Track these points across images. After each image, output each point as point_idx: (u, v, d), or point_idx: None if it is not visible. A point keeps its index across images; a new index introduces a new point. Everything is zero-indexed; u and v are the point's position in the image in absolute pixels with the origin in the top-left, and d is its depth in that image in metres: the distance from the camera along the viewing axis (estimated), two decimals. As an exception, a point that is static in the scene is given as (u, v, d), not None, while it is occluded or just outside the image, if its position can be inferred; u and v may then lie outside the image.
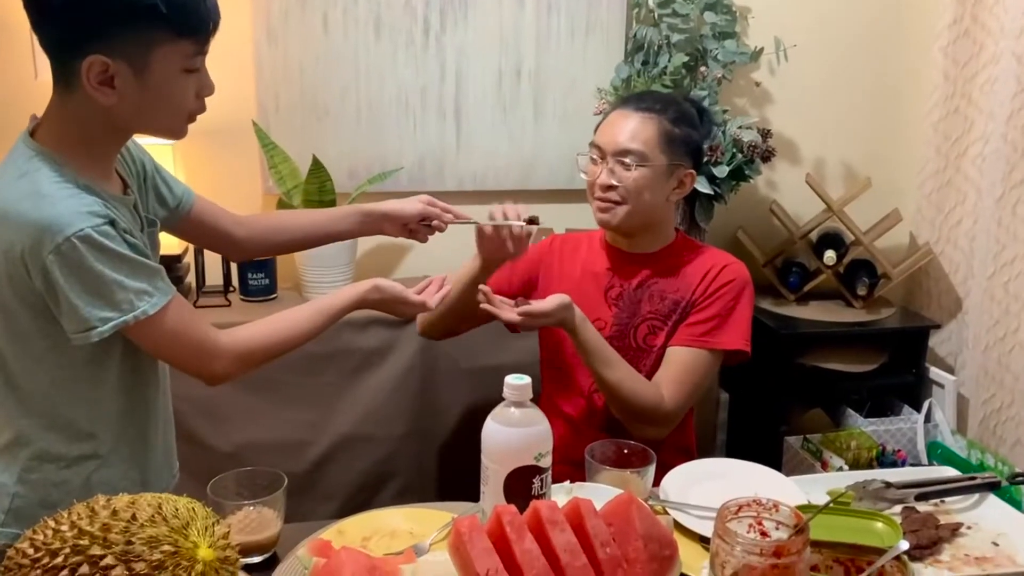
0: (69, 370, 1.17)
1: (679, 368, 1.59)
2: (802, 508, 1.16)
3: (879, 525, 1.16)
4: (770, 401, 2.44)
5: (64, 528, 0.91)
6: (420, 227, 1.52)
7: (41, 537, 0.91)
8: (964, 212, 2.46)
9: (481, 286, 1.49)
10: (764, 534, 0.99)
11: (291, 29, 2.24)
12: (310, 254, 2.18)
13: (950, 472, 1.45)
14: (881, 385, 2.47)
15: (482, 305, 1.46)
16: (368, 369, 2.16)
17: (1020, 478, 1.42)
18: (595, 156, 1.64)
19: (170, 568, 0.89)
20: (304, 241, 1.58)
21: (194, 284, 2.22)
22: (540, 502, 0.93)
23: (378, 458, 2.19)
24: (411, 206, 1.49)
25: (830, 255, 2.42)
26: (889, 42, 2.57)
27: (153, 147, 2.06)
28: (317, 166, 2.10)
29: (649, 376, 1.60)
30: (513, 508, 0.92)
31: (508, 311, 1.46)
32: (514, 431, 1.05)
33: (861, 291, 2.44)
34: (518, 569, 0.87)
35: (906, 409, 2.46)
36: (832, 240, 2.50)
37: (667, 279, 1.66)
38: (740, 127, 2.28)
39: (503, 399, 1.08)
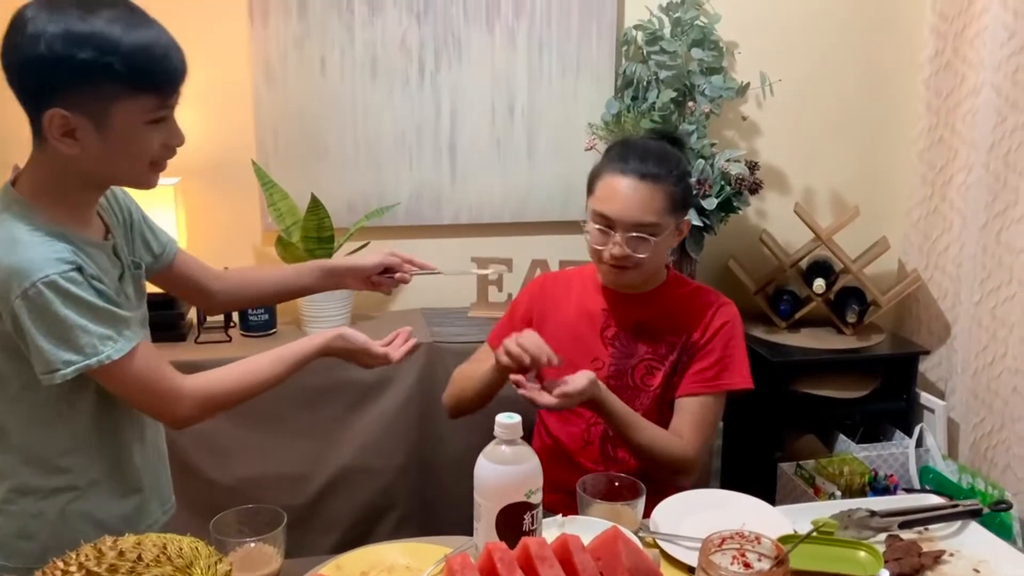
0: (43, 408, 1.20)
1: (696, 416, 1.64)
2: (785, 538, 1.20)
3: (862, 554, 1.19)
4: (764, 428, 2.48)
5: (72, 569, 0.95)
6: (383, 279, 1.56)
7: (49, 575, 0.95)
8: (951, 239, 2.50)
9: (514, 376, 1.48)
10: (747, 565, 1.03)
11: (289, 71, 2.30)
12: (309, 289, 2.23)
13: (934, 500, 1.48)
14: (873, 410, 2.50)
15: (520, 392, 1.46)
16: (367, 401, 2.20)
17: (1002, 505, 1.45)
18: (603, 226, 1.60)
19: (175, 607, 0.93)
20: (272, 296, 1.66)
21: (195, 321, 2.26)
22: (530, 539, 0.97)
23: (377, 489, 2.22)
24: (370, 259, 1.55)
25: (819, 283, 2.47)
26: (873, 75, 2.63)
27: (155, 188, 2.13)
28: (315, 204, 2.16)
29: (647, 416, 1.62)
30: (503, 545, 0.96)
31: (545, 396, 1.45)
32: (505, 468, 1.09)
33: (851, 318, 2.49)
34: (508, 604, 0.91)
35: (898, 434, 2.49)
36: (822, 268, 2.54)
37: (663, 320, 1.68)
38: (728, 160, 2.33)
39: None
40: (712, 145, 2.37)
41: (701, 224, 2.30)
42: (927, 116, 2.53)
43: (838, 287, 2.55)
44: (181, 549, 0.98)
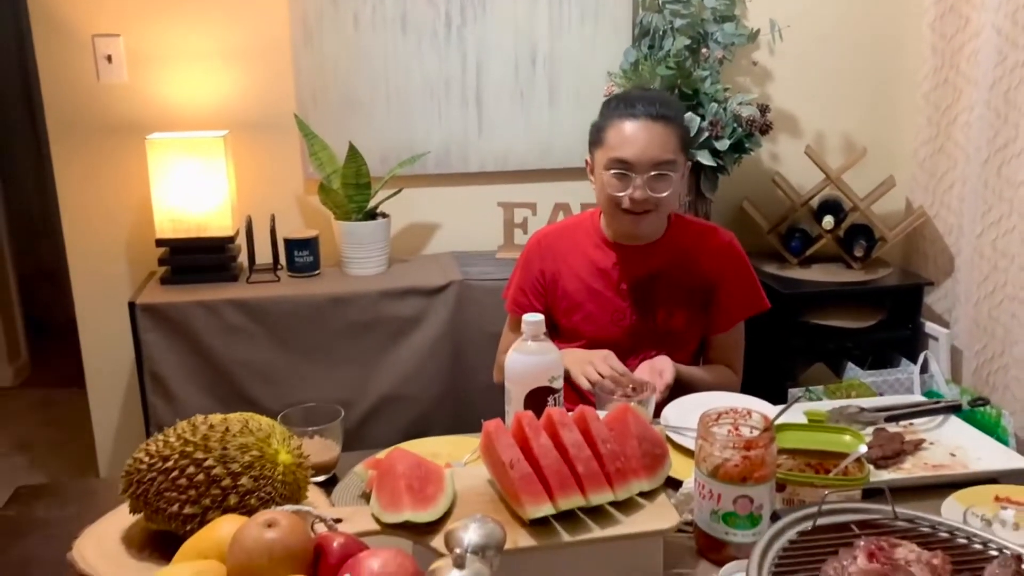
0: None
1: (737, 345, 1.87)
2: (779, 427, 1.36)
3: (846, 437, 1.35)
4: (776, 358, 2.63)
5: (172, 440, 1.14)
6: None
7: (153, 448, 1.14)
8: (955, 176, 2.62)
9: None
10: (740, 436, 1.19)
11: (325, 28, 2.46)
12: (348, 233, 2.41)
13: (918, 398, 1.64)
14: (880, 340, 2.64)
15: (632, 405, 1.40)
16: (405, 335, 2.38)
17: (980, 401, 1.60)
18: (622, 171, 1.66)
19: (258, 468, 1.11)
20: None
21: (246, 264, 2.45)
22: (553, 409, 1.14)
23: (415, 416, 2.41)
24: None
25: (828, 220, 2.60)
26: (879, 19, 2.74)
27: (205, 140, 2.31)
28: (353, 152, 2.33)
29: (679, 351, 1.79)
30: (531, 413, 1.13)
31: (655, 394, 1.50)
32: (531, 359, 1.26)
33: (858, 252, 2.62)
34: (535, 460, 1.09)
35: (904, 362, 2.63)
36: (831, 207, 2.67)
37: (675, 268, 1.79)
38: (740, 103, 2.46)
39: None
40: (725, 90, 2.50)
41: (715, 165, 2.44)
42: (932, 58, 2.63)
43: (847, 224, 2.68)
44: (260, 425, 1.17)
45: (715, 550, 1.16)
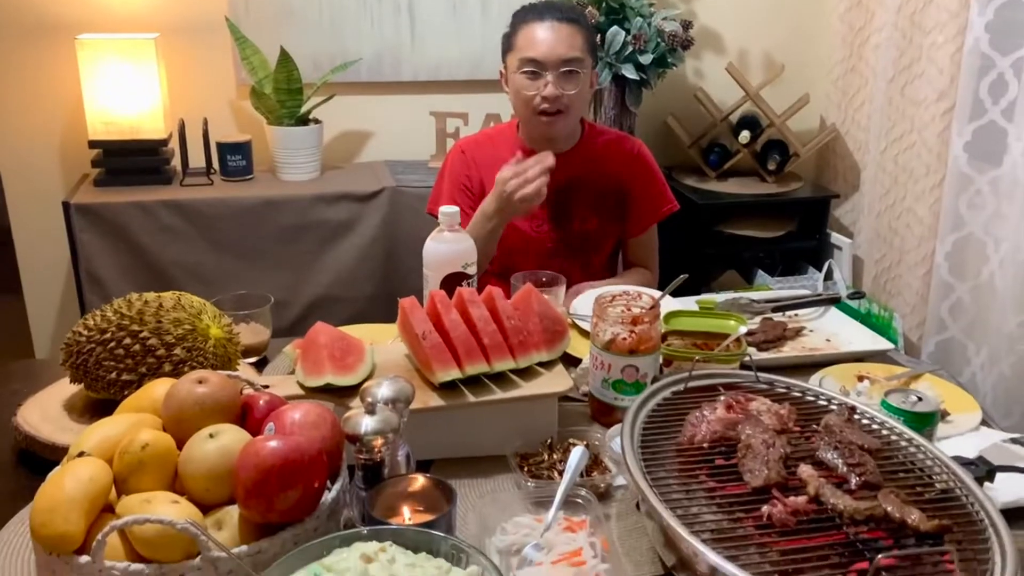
0: None
1: (652, 246, 1.99)
2: (670, 312, 1.51)
3: (731, 321, 1.50)
4: (691, 265, 2.75)
5: (109, 314, 1.22)
6: None
7: (91, 322, 1.23)
8: (865, 95, 2.76)
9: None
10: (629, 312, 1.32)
11: (256, -69, 2.46)
12: (281, 138, 2.46)
13: (803, 292, 1.80)
14: (789, 249, 2.82)
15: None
16: (337, 239, 2.47)
17: (857, 294, 1.77)
18: (531, 70, 1.73)
19: (190, 340, 1.21)
20: None
21: (179, 167, 2.49)
22: (463, 288, 1.26)
23: (350, 315, 2.50)
24: None
25: (744, 135, 2.74)
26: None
27: (136, 42, 2.32)
28: (285, 57, 2.36)
29: (595, 255, 1.92)
30: (443, 292, 1.25)
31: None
32: (446, 247, 1.37)
33: (771, 166, 2.77)
34: (446, 332, 1.21)
35: (810, 270, 2.82)
36: (749, 123, 2.81)
37: (589, 175, 1.89)
38: (664, 19, 2.55)
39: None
40: (650, 5, 2.58)
41: (639, 79, 2.54)
42: (849, -21, 2.74)
43: (763, 140, 2.82)
44: (192, 303, 1.26)
45: (606, 414, 1.30)
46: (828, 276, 2.78)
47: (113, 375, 1.19)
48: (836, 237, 2.81)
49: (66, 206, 2.26)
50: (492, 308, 1.26)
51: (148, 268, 2.32)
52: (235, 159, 2.46)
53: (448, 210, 1.39)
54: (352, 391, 1.18)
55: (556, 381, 1.24)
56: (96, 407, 1.24)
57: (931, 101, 2.40)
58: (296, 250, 2.43)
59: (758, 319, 1.66)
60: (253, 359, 1.51)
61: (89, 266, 2.31)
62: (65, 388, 1.29)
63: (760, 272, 2.78)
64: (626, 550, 1.04)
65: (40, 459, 1.16)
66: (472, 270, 1.40)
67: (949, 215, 2.34)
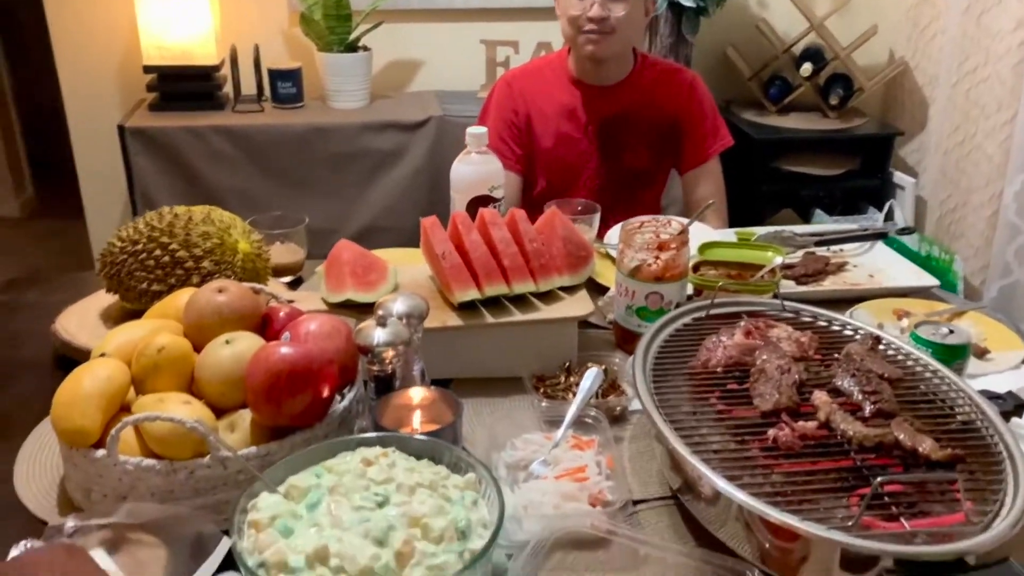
0: None
1: (717, 177, 1.91)
2: (707, 243, 1.47)
3: (768, 252, 1.46)
4: (746, 202, 2.71)
5: (141, 227, 1.25)
6: None
7: (124, 234, 1.26)
8: (938, 27, 2.62)
9: None
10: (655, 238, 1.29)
11: None
12: (330, 65, 2.46)
13: (850, 225, 1.74)
14: (849, 188, 2.72)
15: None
16: (385, 169, 2.47)
17: (907, 230, 1.70)
18: None
19: (219, 254, 1.24)
20: None
21: (231, 93, 2.51)
22: (485, 210, 1.25)
23: (395, 245, 2.52)
24: None
25: (806, 67, 2.63)
26: None
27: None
28: (334, -18, 2.35)
29: (644, 191, 1.87)
30: (465, 213, 1.24)
31: None
32: (472, 168, 1.36)
33: (833, 101, 2.66)
34: (466, 253, 1.20)
35: (871, 210, 2.72)
36: (813, 55, 2.69)
37: (640, 108, 1.84)
38: (724, -57, 2.44)
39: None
40: (710, -71, 2.47)
41: (695, 5, 2.45)
42: (926, -99, 2.57)
43: (827, 73, 2.70)
44: (222, 217, 1.28)
45: (629, 341, 1.29)
46: (889, 217, 2.67)
47: (144, 285, 1.22)
48: (899, 176, 2.70)
49: (121, 130, 2.31)
50: (514, 231, 1.24)
51: (200, 193, 2.37)
52: (286, 86, 2.47)
53: (476, 131, 1.37)
54: (372, 309, 1.18)
55: (577, 305, 1.22)
56: (130, 317, 1.28)
57: (1008, 31, 2.26)
58: (344, 179, 2.44)
59: (800, 253, 1.61)
60: (288, 278, 1.53)
61: (144, 190, 2.37)
62: (103, 298, 1.33)
63: (818, 211, 2.69)
64: (635, 471, 1.03)
65: (75, 364, 1.20)
66: (499, 193, 1.38)
67: (1020, 152, 2.22)
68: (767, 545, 0.80)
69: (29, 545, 0.81)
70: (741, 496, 0.79)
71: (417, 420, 0.97)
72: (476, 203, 1.37)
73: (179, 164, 2.34)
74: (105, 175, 2.64)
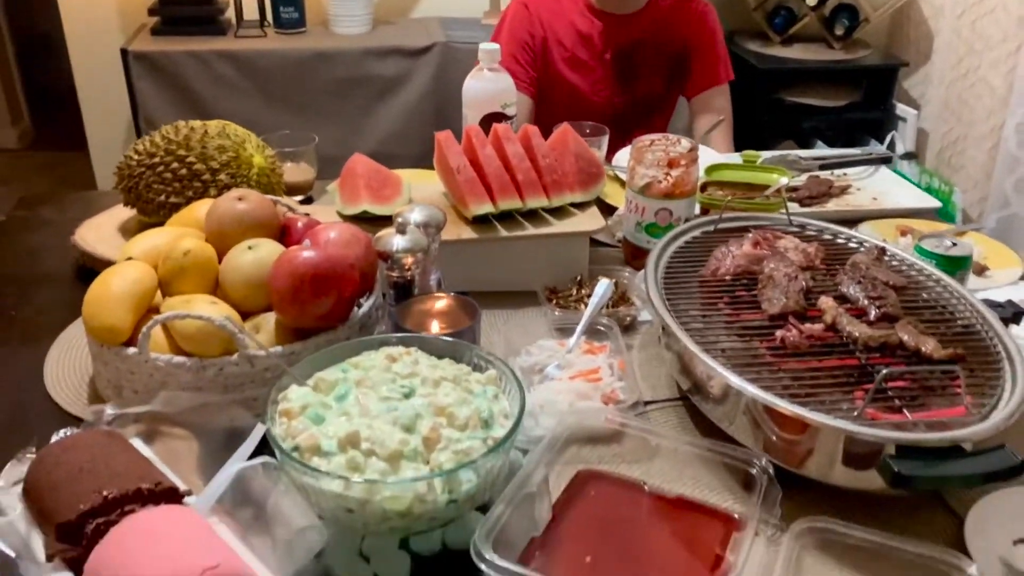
0: None
1: (723, 102, 1.91)
2: (714, 164, 1.49)
3: (773, 174, 1.48)
4: (747, 132, 2.71)
5: (157, 139, 1.27)
6: None
7: (141, 147, 1.27)
8: (947, -44, 2.60)
9: None
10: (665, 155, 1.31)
11: None
12: (334, -10, 2.44)
13: (855, 151, 1.76)
14: (851, 120, 2.72)
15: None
16: (388, 95, 2.47)
17: (910, 155, 1.72)
18: None
19: (234, 167, 1.25)
20: None
21: (233, 19, 2.49)
22: (499, 124, 1.27)
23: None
24: None
25: (812, -4, 2.61)
26: None
27: None
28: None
29: (656, 118, 1.89)
30: (479, 128, 1.26)
31: None
32: (485, 85, 1.37)
33: (838, 31, 2.65)
34: (480, 168, 1.22)
35: (872, 142, 2.72)
36: (819, -17, 2.67)
37: (655, 35, 1.84)
38: None
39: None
40: None
41: (702, -68, 2.42)
42: None
43: (832, 3, 2.69)
44: (237, 132, 1.30)
45: (638, 257, 1.31)
46: (890, 148, 2.68)
47: (162, 198, 1.24)
48: (902, 108, 2.70)
49: (124, 53, 2.30)
50: (528, 146, 1.26)
51: (204, 118, 2.34)
52: (288, 11, 2.45)
53: (488, 47, 1.38)
54: (387, 222, 1.21)
55: (588, 221, 1.25)
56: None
57: (1016, -41, 2.25)
58: (347, 105, 2.44)
59: (804, 176, 1.63)
60: (299, 197, 1.55)
61: (148, 115, 2.36)
62: (120, 213, 1.35)
63: (820, 143, 2.70)
64: (644, 376, 1.07)
65: (96, 275, 1.22)
66: (511, 111, 1.40)
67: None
68: (774, 438, 0.84)
69: (68, 432, 0.85)
70: (751, 389, 0.83)
71: (436, 326, 1.00)
72: (488, 120, 1.38)
73: (182, 89, 2.34)
74: (107, 101, 2.63)
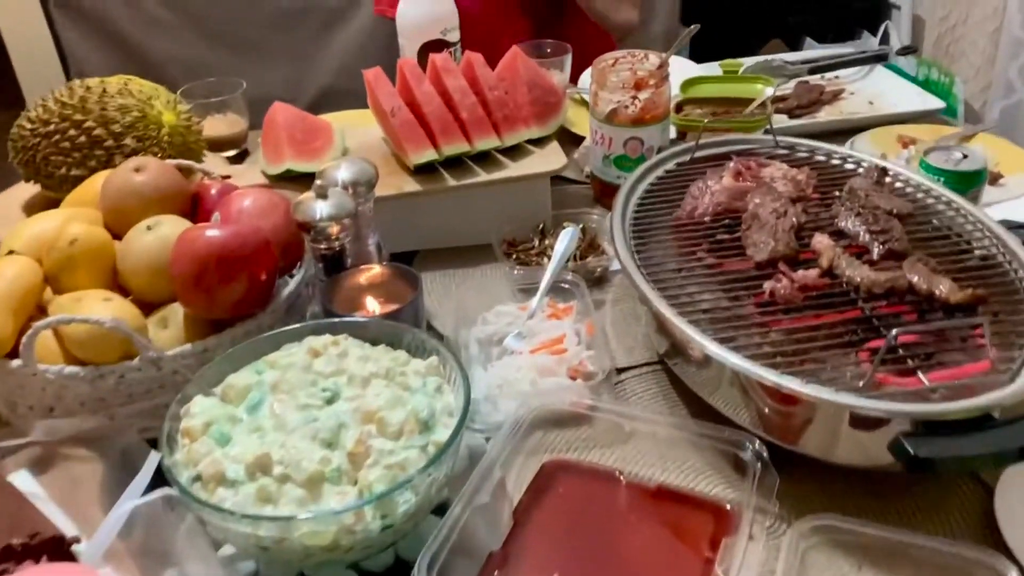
0: None
1: None
2: (690, 79, 1.33)
3: (758, 85, 1.32)
4: (730, 34, 2.51)
5: (51, 104, 1.11)
6: None
7: (33, 114, 1.11)
8: None
9: None
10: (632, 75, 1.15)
11: None
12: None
13: (845, 50, 1.59)
14: (841, 11, 2.53)
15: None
16: (339, 23, 2.27)
17: (908, 49, 1.55)
18: None
19: (141, 128, 1.10)
20: None
21: (162, -48, 2.28)
22: (436, 55, 1.10)
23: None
24: None
25: None
26: None
27: None
28: None
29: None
30: (413, 61, 1.10)
31: None
32: (421, 9, 1.20)
33: (823, -87, 2.43)
34: (418, 108, 1.07)
35: (865, 34, 2.53)
36: None
37: None
38: None
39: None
40: None
41: None
42: None
43: None
44: (141, 88, 1.13)
45: (608, 195, 1.16)
46: (885, 40, 2.49)
47: (63, 171, 1.09)
48: (895, -5, 2.50)
49: (43, 2, 2.10)
50: (472, 78, 1.10)
51: (141, 67, 2.18)
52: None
53: (425, -35, 1.20)
54: (320, 178, 1.06)
55: (548, 160, 1.10)
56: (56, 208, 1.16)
57: None
58: (295, 37, 2.25)
59: (792, 83, 1.47)
60: (231, 152, 1.39)
61: (81, 69, 2.18)
62: (27, 188, 1.20)
63: (809, 40, 2.51)
64: (618, 336, 0.94)
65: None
66: (454, 36, 1.23)
67: (1028, -43, 2.03)
68: (766, 411, 0.72)
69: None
70: (734, 359, 0.70)
71: (372, 302, 0.86)
72: (428, 49, 1.21)
73: (113, 36, 2.15)
74: (39, 59, 2.42)
